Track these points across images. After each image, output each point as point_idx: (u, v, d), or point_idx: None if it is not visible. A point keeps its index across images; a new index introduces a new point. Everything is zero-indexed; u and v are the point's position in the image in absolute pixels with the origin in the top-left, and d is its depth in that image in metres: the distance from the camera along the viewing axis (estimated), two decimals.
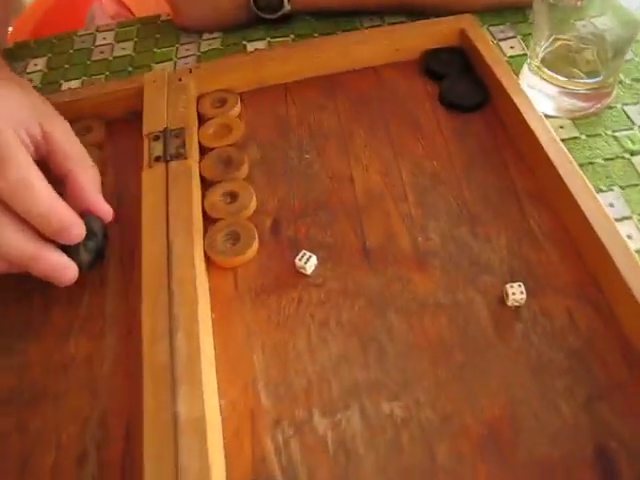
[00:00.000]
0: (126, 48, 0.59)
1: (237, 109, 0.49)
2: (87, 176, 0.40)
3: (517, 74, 0.47)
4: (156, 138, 0.44)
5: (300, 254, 0.39)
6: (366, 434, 0.32)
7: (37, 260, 0.36)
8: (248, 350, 0.36)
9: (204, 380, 0.32)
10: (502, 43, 0.53)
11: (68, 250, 0.38)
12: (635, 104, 0.48)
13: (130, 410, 0.34)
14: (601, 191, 0.42)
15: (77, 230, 0.37)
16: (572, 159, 0.40)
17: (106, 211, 0.40)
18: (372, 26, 0.57)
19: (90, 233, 0.38)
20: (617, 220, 0.38)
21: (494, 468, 0.30)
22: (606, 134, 0.46)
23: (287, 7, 0.55)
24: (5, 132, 0.35)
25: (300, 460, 0.31)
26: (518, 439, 0.31)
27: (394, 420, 0.32)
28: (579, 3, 0.44)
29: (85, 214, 0.39)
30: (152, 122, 0.46)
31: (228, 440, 0.32)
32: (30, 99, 0.41)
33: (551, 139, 0.41)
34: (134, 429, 0.33)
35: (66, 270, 0.38)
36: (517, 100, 0.44)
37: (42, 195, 0.35)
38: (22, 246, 0.36)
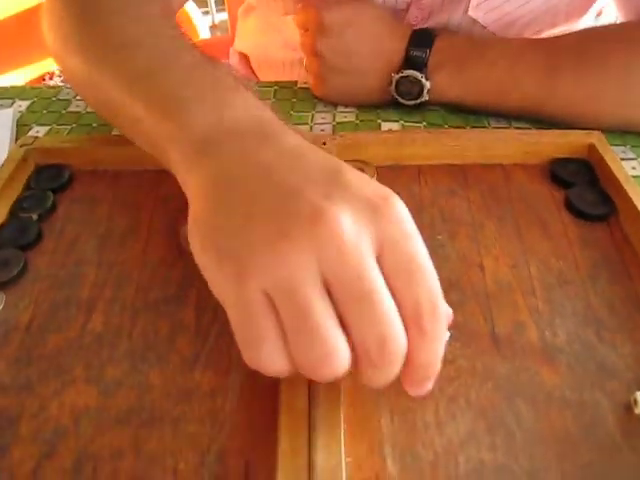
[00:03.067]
0: None
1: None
2: (438, 325, 0.30)
3: None
4: None
5: None
6: None
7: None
8: (376, 412, 0.37)
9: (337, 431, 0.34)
10: (623, 162, 0.55)
11: None
12: None
13: (250, 449, 0.35)
14: None
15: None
16: None
17: None
18: (498, 127, 0.60)
19: None
20: None
21: None
22: None
23: (425, 97, 0.59)
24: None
25: None
26: None
27: None
28: None
29: None
30: None
31: None
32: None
33: None
34: (253, 469, 0.35)
35: None
36: None
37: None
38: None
